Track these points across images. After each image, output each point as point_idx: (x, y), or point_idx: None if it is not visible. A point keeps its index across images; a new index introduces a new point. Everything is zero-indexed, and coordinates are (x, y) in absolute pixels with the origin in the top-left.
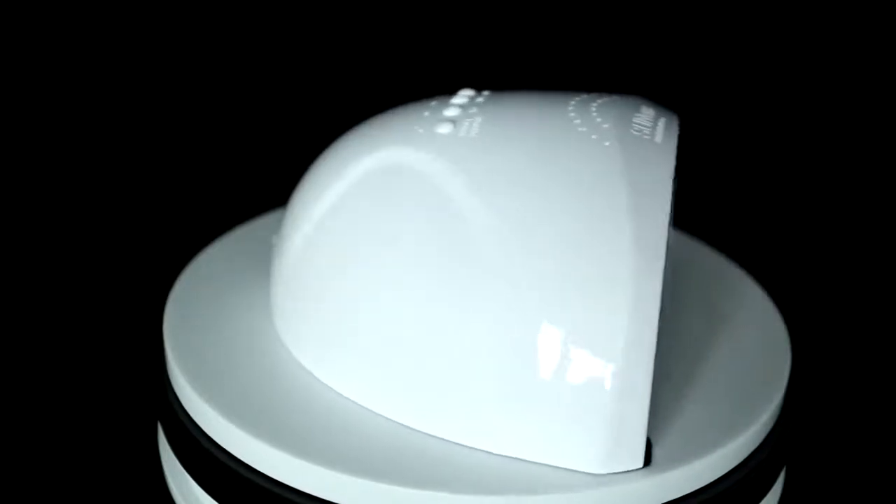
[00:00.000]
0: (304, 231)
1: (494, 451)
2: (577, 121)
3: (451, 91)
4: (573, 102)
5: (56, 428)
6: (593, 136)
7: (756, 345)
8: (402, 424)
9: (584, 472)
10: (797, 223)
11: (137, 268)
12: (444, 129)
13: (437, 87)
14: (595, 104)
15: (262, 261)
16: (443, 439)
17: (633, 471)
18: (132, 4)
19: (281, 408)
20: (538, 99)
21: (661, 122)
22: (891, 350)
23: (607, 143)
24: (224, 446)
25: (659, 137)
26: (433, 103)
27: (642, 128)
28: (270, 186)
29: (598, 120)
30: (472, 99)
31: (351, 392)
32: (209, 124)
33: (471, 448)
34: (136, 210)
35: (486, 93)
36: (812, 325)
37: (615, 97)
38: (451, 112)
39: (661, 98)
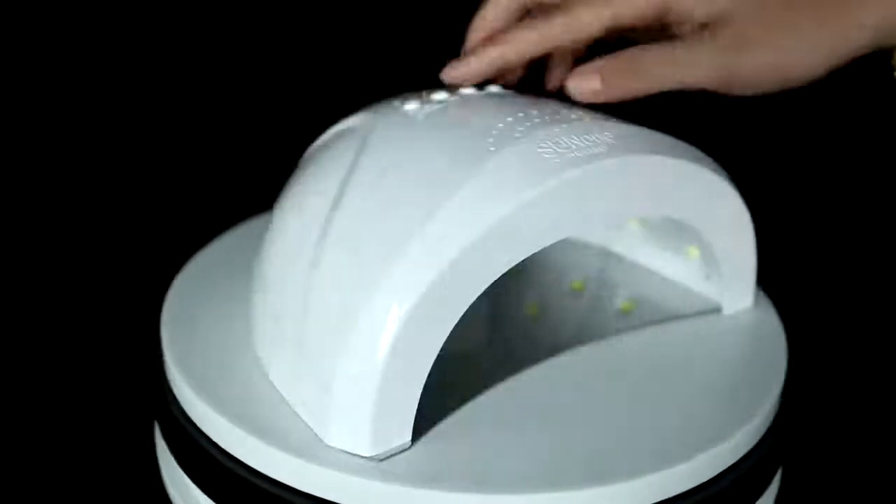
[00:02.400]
0: None
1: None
2: (501, 125)
3: None
4: (531, 114)
5: (55, 428)
6: (489, 140)
7: (753, 344)
8: None
9: (316, 433)
10: (795, 224)
11: (136, 268)
12: (410, 106)
13: None
14: (545, 118)
15: None
16: None
17: (356, 455)
18: (132, 6)
19: (278, 406)
20: (510, 104)
21: (591, 152)
22: (887, 350)
23: (492, 149)
24: (221, 445)
25: (562, 161)
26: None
27: (555, 150)
28: (267, 188)
29: (517, 131)
30: (475, 92)
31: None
32: (207, 127)
33: None
34: (135, 211)
35: (493, 89)
36: (809, 325)
37: (596, 120)
38: (438, 96)
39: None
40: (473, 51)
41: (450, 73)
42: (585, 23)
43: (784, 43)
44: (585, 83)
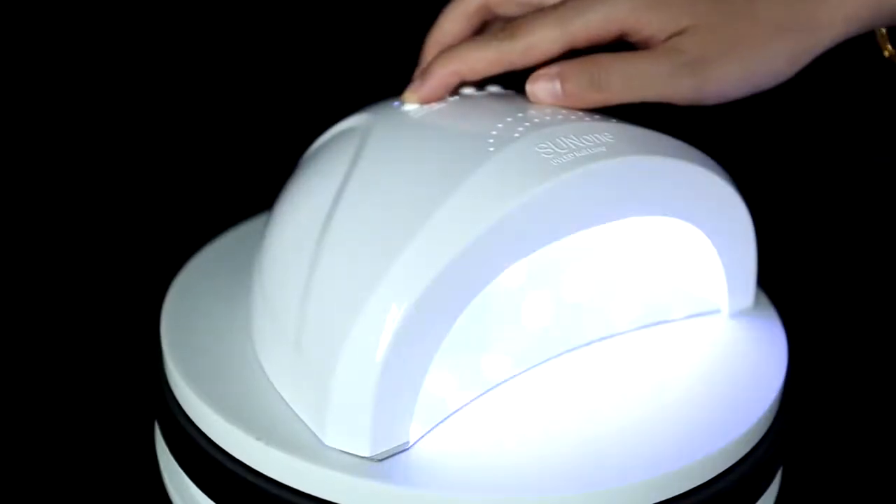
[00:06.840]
0: None
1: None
2: (501, 125)
3: None
4: (530, 114)
5: (55, 428)
6: (488, 140)
7: (753, 344)
8: None
9: (314, 433)
10: (795, 224)
11: (135, 268)
12: (410, 106)
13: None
14: (544, 118)
15: None
16: None
17: (355, 455)
18: (132, 6)
19: (278, 407)
20: (510, 104)
21: (590, 152)
22: (887, 350)
23: (492, 150)
24: (220, 445)
25: (561, 161)
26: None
27: (555, 150)
28: (267, 188)
29: (517, 131)
30: (475, 92)
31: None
32: (207, 127)
33: None
34: (135, 211)
35: (493, 89)
36: (809, 325)
37: (596, 121)
38: None
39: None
40: (431, 70)
41: (411, 98)
42: (541, 47)
43: (750, 54)
44: (545, 87)
